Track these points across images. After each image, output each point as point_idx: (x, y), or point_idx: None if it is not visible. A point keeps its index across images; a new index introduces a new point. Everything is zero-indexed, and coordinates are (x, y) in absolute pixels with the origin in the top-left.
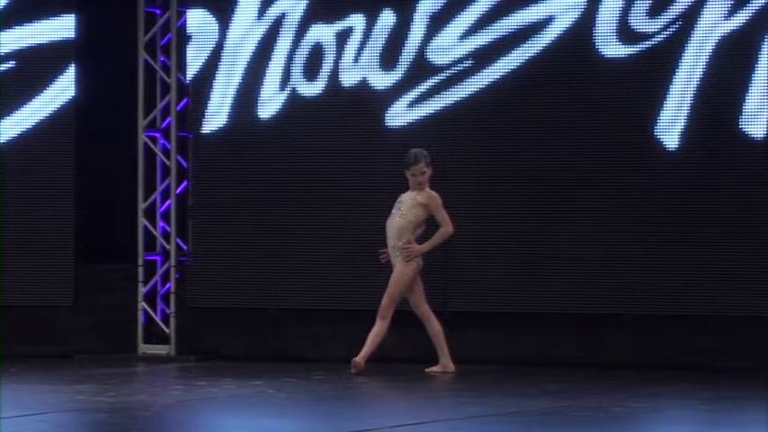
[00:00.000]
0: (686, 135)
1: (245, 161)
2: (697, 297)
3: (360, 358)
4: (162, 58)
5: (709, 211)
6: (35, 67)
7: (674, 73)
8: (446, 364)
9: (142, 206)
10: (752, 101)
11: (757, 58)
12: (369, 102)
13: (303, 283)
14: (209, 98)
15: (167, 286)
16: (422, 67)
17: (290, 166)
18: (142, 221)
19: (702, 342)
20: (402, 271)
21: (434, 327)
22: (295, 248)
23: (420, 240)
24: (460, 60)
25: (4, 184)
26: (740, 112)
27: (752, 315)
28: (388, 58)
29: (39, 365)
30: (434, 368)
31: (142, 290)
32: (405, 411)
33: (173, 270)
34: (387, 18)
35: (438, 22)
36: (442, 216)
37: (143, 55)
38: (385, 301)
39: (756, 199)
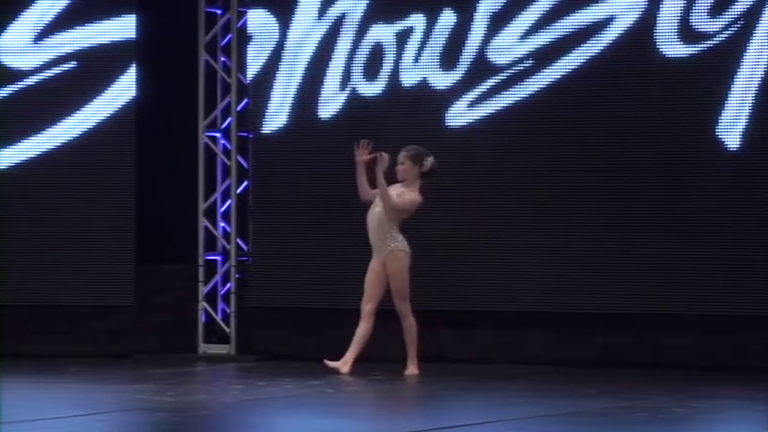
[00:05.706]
0: (748, 135)
1: (304, 161)
2: (758, 297)
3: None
4: (222, 59)
5: None
6: (96, 67)
7: (735, 73)
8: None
9: (203, 206)
10: None
11: None
12: (429, 102)
13: (362, 283)
14: (269, 98)
15: (228, 286)
16: (482, 67)
17: (350, 165)
18: (203, 221)
19: (763, 342)
20: (394, 267)
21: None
22: (354, 248)
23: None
24: (521, 60)
25: (68, 183)
26: None
27: None
28: (449, 58)
29: (99, 365)
30: (335, 363)
31: (202, 289)
32: (464, 411)
33: (233, 270)
34: (447, 18)
35: (498, 21)
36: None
37: (203, 55)
38: (396, 302)
39: None
